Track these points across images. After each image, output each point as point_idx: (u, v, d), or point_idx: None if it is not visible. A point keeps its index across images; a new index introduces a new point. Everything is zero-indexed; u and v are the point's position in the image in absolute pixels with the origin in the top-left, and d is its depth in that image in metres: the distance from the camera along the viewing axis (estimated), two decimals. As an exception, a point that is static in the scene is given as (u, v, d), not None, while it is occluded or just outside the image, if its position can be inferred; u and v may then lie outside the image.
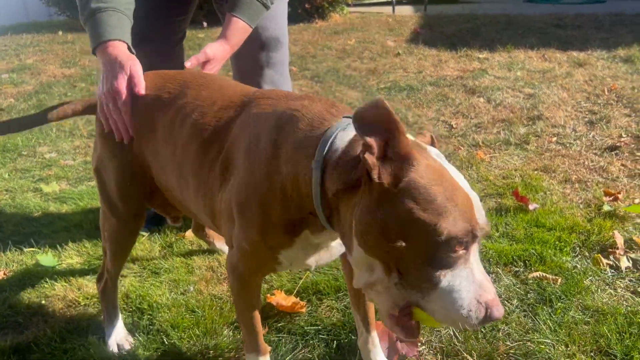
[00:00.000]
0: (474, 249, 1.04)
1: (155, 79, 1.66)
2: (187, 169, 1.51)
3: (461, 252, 1.01)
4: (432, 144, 1.21)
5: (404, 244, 1.00)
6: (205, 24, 7.90)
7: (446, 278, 1.01)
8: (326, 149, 1.12)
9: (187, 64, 1.91)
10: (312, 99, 1.32)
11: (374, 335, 1.65)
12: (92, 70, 5.80)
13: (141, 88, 1.61)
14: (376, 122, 0.99)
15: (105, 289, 1.87)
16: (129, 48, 1.69)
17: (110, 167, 1.67)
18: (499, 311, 1.03)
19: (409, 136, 1.08)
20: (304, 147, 1.17)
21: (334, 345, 1.80)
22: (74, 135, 3.94)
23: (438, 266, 1.01)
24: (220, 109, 1.48)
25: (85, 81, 5.41)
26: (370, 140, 0.98)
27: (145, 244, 2.46)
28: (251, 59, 2.29)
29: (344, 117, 1.19)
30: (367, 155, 1.00)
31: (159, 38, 2.26)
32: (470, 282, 1.02)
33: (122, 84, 1.59)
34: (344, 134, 1.13)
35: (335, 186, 1.10)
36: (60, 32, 8.13)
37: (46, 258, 2.34)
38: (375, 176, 1.00)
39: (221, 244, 2.34)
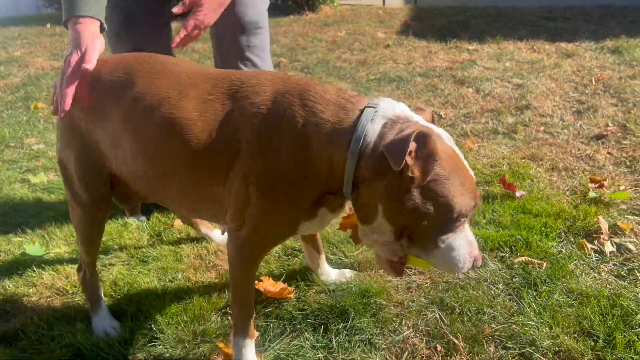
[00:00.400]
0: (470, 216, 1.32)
1: (114, 65, 1.62)
2: (168, 164, 1.51)
3: (463, 220, 1.30)
4: (432, 121, 1.46)
5: (426, 222, 1.27)
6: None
7: (448, 240, 1.31)
8: (361, 142, 1.30)
9: (174, 45, 1.90)
10: (308, 83, 1.42)
11: (323, 256, 2.04)
12: (80, 62, 5.75)
13: (89, 64, 1.54)
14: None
15: (85, 278, 1.87)
16: (101, 25, 1.66)
17: (71, 157, 1.67)
18: (480, 261, 1.37)
19: (412, 113, 1.38)
20: (339, 139, 1.33)
21: (322, 330, 1.81)
22: (62, 126, 3.91)
23: (444, 233, 1.30)
24: (199, 102, 1.47)
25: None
26: (408, 159, 1.22)
27: (134, 233, 2.46)
28: (232, 43, 2.29)
29: (366, 106, 1.36)
30: (407, 159, 1.22)
31: (147, 21, 2.24)
32: (465, 242, 1.33)
33: (73, 59, 1.56)
34: (374, 127, 1.31)
35: (368, 174, 1.29)
36: (48, 25, 8.07)
37: (34, 247, 2.34)
38: (409, 174, 1.24)
39: (207, 230, 2.35)
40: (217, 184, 1.47)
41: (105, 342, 1.79)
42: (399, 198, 1.26)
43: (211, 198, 1.51)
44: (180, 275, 2.15)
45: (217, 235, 2.36)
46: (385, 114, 1.33)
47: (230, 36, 2.26)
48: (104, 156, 1.63)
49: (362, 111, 1.35)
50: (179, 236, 2.45)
